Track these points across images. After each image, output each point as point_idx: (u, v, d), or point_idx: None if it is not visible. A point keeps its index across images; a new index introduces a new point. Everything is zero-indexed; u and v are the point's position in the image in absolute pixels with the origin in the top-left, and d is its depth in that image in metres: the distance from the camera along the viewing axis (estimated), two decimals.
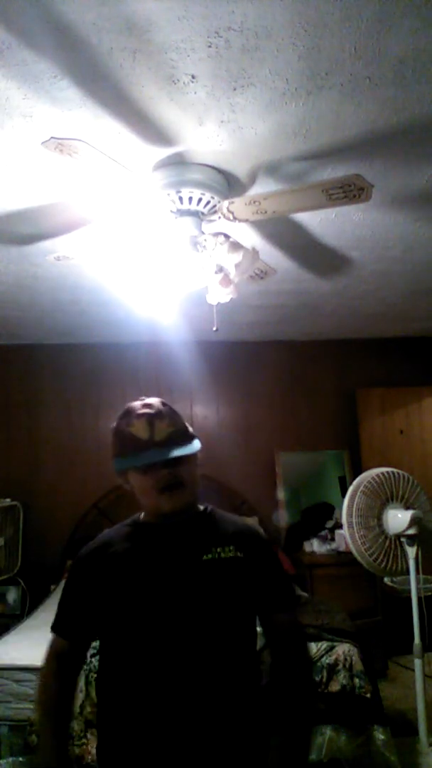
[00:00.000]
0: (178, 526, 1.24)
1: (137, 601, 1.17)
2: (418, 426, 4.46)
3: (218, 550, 1.21)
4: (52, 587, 3.81)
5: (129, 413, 1.26)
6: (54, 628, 1.29)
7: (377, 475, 2.60)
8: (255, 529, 1.38)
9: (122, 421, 1.27)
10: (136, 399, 1.31)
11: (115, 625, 1.20)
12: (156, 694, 1.13)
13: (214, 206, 1.96)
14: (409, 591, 2.53)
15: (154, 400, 1.28)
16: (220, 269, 2.10)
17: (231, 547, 1.22)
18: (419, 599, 2.51)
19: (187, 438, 1.25)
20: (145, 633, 1.16)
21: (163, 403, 1.28)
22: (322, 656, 2.42)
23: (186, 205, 1.95)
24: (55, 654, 1.27)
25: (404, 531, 2.45)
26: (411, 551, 2.47)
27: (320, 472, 4.66)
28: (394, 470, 2.63)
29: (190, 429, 1.29)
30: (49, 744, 1.21)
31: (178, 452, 1.20)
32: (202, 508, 1.32)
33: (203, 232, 2.02)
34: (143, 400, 1.29)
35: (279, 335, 4.51)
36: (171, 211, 1.98)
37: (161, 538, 1.24)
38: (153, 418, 1.23)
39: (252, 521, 4.16)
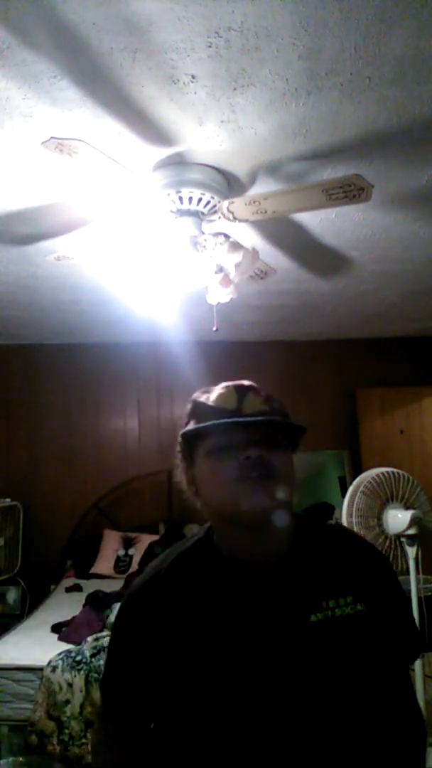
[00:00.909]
0: (275, 569, 0.89)
1: (222, 681, 0.84)
2: (418, 426, 4.46)
3: (331, 604, 0.86)
4: (52, 587, 3.81)
5: (211, 389, 0.97)
6: (106, 715, 0.98)
7: (377, 475, 2.60)
8: (377, 555, 0.98)
9: (201, 393, 0.97)
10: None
11: (183, 708, 0.86)
12: None
13: (214, 206, 1.96)
14: (409, 591, 2.53)
15: (247, 381, 0.99)
16: (220, 269, 2.10)
17: (349, 598, 0.87)
18: (419, 599, 2.51)
19: (285, 422, 0.94)
20: (234, 725, 0.82)
21: (262, 389, 0.98)
22: None
23: (186, 205, 1.95)
24: (113, 738, 0.96)
25: (404, 531, 2.45)
26: (411, 551, 2.47)
27: (320, 472, 4.66)
28: (394, 470, 2.62)
29: (290, 419, 0.98)
30: None
31: (269, 428, 0.90)
32: (296, 524, 0.96)
33: (203, 232, 2.02)
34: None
35: (279, 335, 4.51)
36: (171, 211, 1.98)
37: (250, 584, 0.88)
38: (244, 389, 0.94)
39: None
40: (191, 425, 0.93)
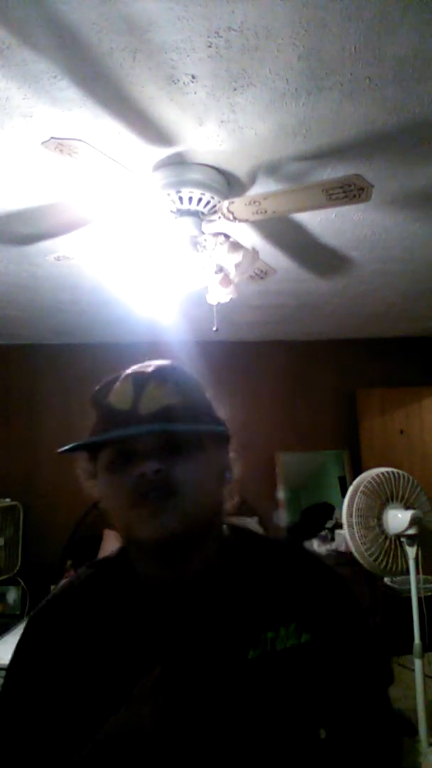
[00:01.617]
0: (200, 593, 0.73)
1: (133, 740, 0.65)
2: (418, 426, 4.46)
3: (271, 636, 0.70)
4: (52, 587, 3.80)
5: (111, 378, 0.81)
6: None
7: (377, 475, 2.60)
8: (327, 574, 0.80)
9: (104, 385, 0.80)
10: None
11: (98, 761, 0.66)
12: None
13: (214, 206, 1.96)
14: (409, 591, 2.53)
15: (161, 361, 0.81)
16: (220, 269, 2.10)
17: (292, 627, 0.71)
18: (419, 599, 2.51)
19: (201, 418, 0.77)
20: None
21: (174, 368, 0.80)
22: None
23: (186, 205, 1.95)
24: None
25: (404, 531, 2.45)
26: (411, 551, 2.47)
27: (320, 472, 4.66)
28: (394, 470, 2.63)
29: (213, 412, 0.81)
30: None
31: (167, 431, 0.71)
32: (227, 534, 0.82)
33: (203, 232, 2.02)
34: (144, 362, 0.83)
35: (279, 335, 4.51)
36: (171, 211, 1.98)
37: (172, 616, 0.72)
38: (145, 380, 0.75)
39: (252, 521, 4.16)
40: (91, 429, 0.78)
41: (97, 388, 0.81)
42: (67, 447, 0.75)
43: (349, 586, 0.79)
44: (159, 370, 0.77)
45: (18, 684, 0.74)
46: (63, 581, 0.84)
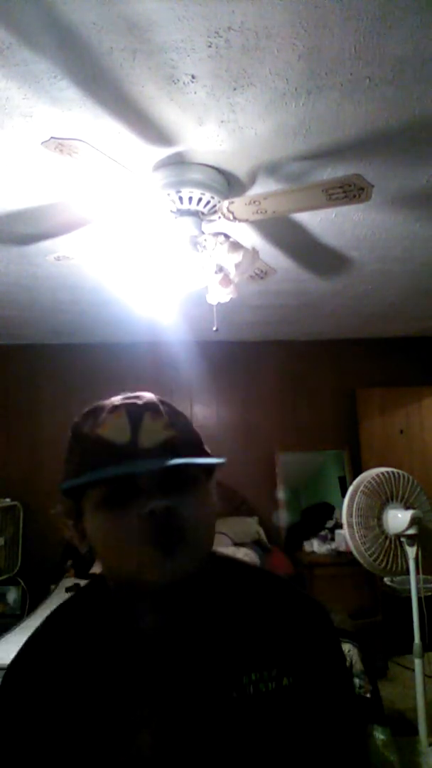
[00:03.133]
0: (183, 635, 0.71)
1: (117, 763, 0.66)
2: (418, 426, 4.46)
3: (254, 677, 0.69)
4: (52, 587, 3.81)
5: (95, 410, 0.75)
6: None
7: (377, 475, 2.60)
8: (309, 611, 0.77)
9: (84, 418, 0.75)
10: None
11: None
12: None
13: (214, 206, 1.96)
14: (409, 591, 2.53)
15: (146, 393, 0.77)
16: (220, 269, 2.10)
17: (274, 671, 0.69)
18: (419, 599, 2.51)
19: (197, 452, 0.74)
20: None
21: (161, 400, 0.76)
22: None
23: (186, 205, 1.95)
24: None
25: (404, 531, 2.45)
26: (411, 551, 2.47)
27: (320, 472, 4.66)
28: (394, 470, 2.63)
29: (203, 445, 0.77)
30: None
31: (176, 464, 0.67)
32: (210, 567, 0.77)
33: (203, 232, 2.02)
34: (126, 394, 0.77)
35: (279, 335, 4.51)
36: (171, 211, 1.98)
37: (153, 658, 0.70)
38: (139, 412, 0.71)
39: (252, 521, 4.16)
40: (72, 465, 0.73)
41: (77, 420, 0.76)
42: (74, 482, 0.71)
43: (330, 620, 0.77)
44: (150, 403, 0.73)
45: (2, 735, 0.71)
46: (39, 625, 0.78)
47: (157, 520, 0.65)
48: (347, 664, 2.39)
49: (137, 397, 0.74)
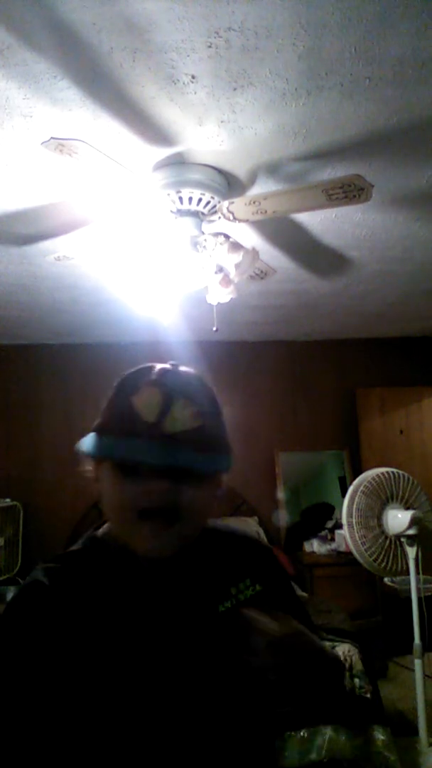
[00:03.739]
0: (173, 563, 0.78)
1: (123, 682, 0.72)
2: (418, 426, 4.46)
3: (234, 590, 0.82)
4: None
5: (140, 374, 0.80)
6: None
7: (377, 475, 2.60)
8: (259, 542, 0.97)
9: (126, 383, 0.80)
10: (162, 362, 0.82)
11: (83, 724, 0.71)
12: None
13: (214, 206, 1.96)
14: (409, 591, 2.53)
15: (188, 371, 0.81)
16: (220, 269, 2.10)
17: (247, 582, 0.83)
18: (419, 599, 2.51)
19: (216, 449, 0.78)
20: (144, 729, 0.72)
21: (200, 382, 0.81)
22: None
23: (186, 205, 1.95)
24: None
25: (404, 531, 2.45)
26: (411, 551, 2.47)
27: (320, 472, 4.66)
28: (394, 470, 2.63)
29: (226, 439, 0.82)
30: None
31: (189, 460, 0.72)
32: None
33: (203, 232, 2.02)
34: (171, 363, 0.82)
35: (279, 335, 4.51)
36: (171, 211, 1.98)
37: (152, 582, 0.78)
38: (173, 395, 0.74)
39: (252, 522, 4.16)
40: (102, 420, 0.78)
41: (120, 380, 0.81)
42: (93, 450, 0.77)
43: (274, 554, 0.96)
44: (187, 387, 0.77)
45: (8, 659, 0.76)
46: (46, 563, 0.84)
47: (154, 499, 0.71)
48: (347, 664, 2.40)
49: (176, 374, 0.78)
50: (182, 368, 0.81)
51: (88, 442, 0.79)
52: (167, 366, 0.80)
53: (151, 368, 0.79)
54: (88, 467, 0.81)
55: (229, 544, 0.90)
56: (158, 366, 0.80)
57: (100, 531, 0.87)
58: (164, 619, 0.77)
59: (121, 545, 0.77)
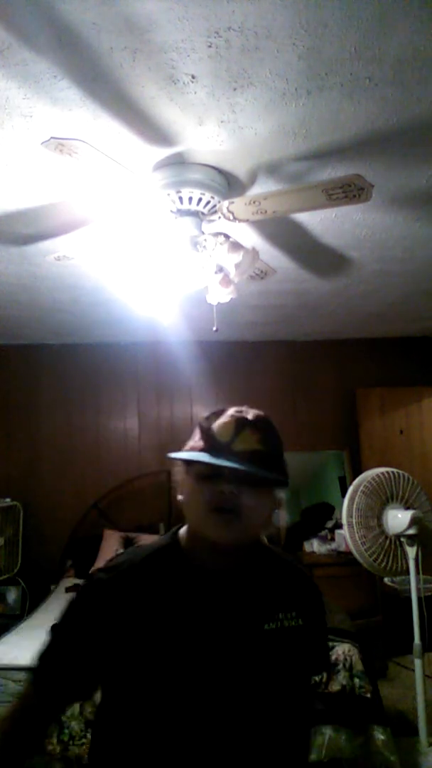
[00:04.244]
0: (234, 579, 0.99)
1: (183, 676, 0.91)
2: (418, 426, 4.46)
3: (281, 616, 0.99)
4: (52, 587, 3.81)
5: (222, 411, 1.04)
6: (36, 682, 1.00)
7: (377, 475, 2.60)
8: (313, 584, 1.13)
9: (211, 415, 1.04)
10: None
11: (149, 699, 0.92)
12: None
13: (214, 206, 1.96)
14: (409, 591, 2.53)
15: (258, 412, 1.04)
16: (220, 269, 2.10)
17: (293, 613, 1.01)
18: (419, 599, 2.51)
19: (271, 467, 0.98)
20: (190, 716, 0.91)
21: (267, 421, 1.03)
22: None
23: (186, 205, 1.95)
24: (24, 708, 1.02)
25: (404, 531, 2.45)
26: (411, 551, 2.47)
27: (320, 472, 4.66)
28: (394, 470, 2.63)
29: (282, 465, 1.03)
30: None
31: (251, 469, 0.93)
32: (259, 552, 1.08)
33: (203, 232, 2.02)
34: (244, 407, 1.06)
35: (279, 335, 4.51)
36: (171, 211, 1.98)
37: (214, 589, 0.97)
38: (244, 425, 0.98)
39: None
40: (191, 443, 1.02)
41: (206, 415, 1.05)
42: (176, 455, 1.00)
43: (321, 598, 1.12)
44: (256, 421, 1.00)
45: (77, 617, 1.00)
46: (128, 551, 1.07)
47: (224, 497, 0.93)
48: (347, 664, 2.40)
49: (248, 412, 1.02)
50: (253, 410, 1.04)
51: (179, 455, 1.00)
52: (242, 408, 1.04)
53: (226, 410, 1.04)
54: (178, 484, 1.03)
55: (286, 574, 1.08)
56: (234, 408, 1.04)
57: (180, 532, 1.05)
58: (216, 621, 0.95)
59: (191, 550, 1.00)
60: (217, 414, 1.03)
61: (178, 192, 1.91)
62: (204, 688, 0.91)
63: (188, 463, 1.00)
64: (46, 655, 1.00)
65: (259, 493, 0.96)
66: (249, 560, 1.02)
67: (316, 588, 1.12)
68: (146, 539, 3.99)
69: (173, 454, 1.00)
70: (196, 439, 1.01)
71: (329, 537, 4.10)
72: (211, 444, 0.97)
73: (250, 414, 1.02)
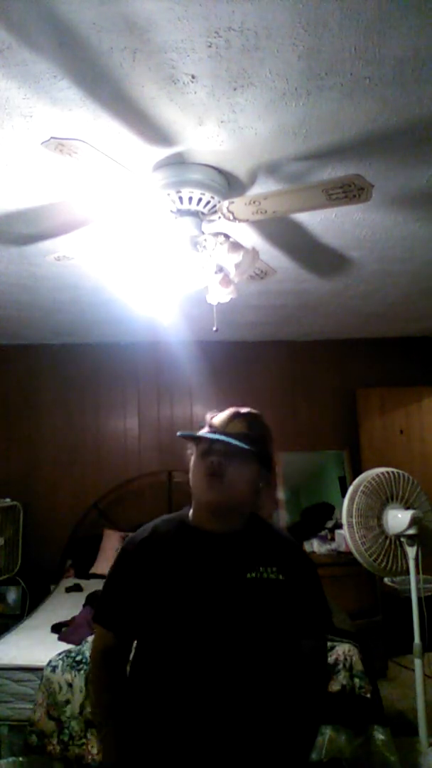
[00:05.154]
0: (225, 538, 1.23)
1: (177, 609, 1.17)
2: (418, 426, 4.46)
3: (261, 569, 1.20)
4: (52, 587, 3.81)
5: (223, 411, 1.32)
6: (98, 619, 1.30)
7: (377, 475, 2.60)
8: (299, 547, 1.34)
9: (216, 411, 1.33)
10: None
11: (153, 628, 1.20)
12: (190, 704, 1.13)
13: (214, 206, 1.96)
14: (409, 591, 2.53)
15: (251, 409, 1.32)
16: (220, 269, 2.10)
17: (274, 569, 1.21)
18: (419, 599, 2.51)
19: (252, 444, 1.21)
20: (182, 643, 1.16)
21: (256, 415, 1.31)
22: None
23: (186, 205, 1.95)
24: (102, 649, 1.28)
25: (404, 531, 2.45)
26: (411, 551, 2.47)
27: (320, 472, 4.66)
28: (394, 470, 2.62)
29: (267, 449, 1.28)
30: (112, 743, 1.21)
31: (225, 438, 1.20)
32: (248, 517, 1.30)
33: (203, 232, 2.02)
34: (245, 408, 1.33)
35: (279, 335, 4.51)
36: (171, 211, 1.98)
37: (208, 547, 1.23)
38: (235, 414, 1.28)
39: None
40: (199, 431, 1.29)
41: (211, 412, 1.33)
42: (184, 433, 1.28)
43: (305, 552, 1.27)
44: (247, 413, 1.30)
45: (119, 568, 1.30)
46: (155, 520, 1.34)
47: (213, 465, 1.20)
48: (347, 664, 2.40)
49: (243, 409, 1.31)
50: (248, 408, 1.32)
51: (185, 432, 1.28)
52: (241, 407, 1.31)
53: (228, 408, 1.32)
54: (189, 450, 1.29)
55: (273, 538, 1.30)
56: (235, 407, 1.32)
57: (186, 510, 1.32)
58: (209, 570, 1.20)
59: (197, 520, 1.27)
60: (221, 411, 1.32)
61: (178, 192, 1.91)
62: (201, 626, 1.15)
63: (195, 443, 1.27)
64: (105, 597, 1.30)
65: (240, 463, 1.21)
66: (243, 525, 1.27)
67: (304, 555, 1.35)
68: None
69: (181, 432, 1.29)
70: (203, 423, 1.31)
71: (329, 537, 4.10)
72: (210, 428, 1.27)
73: (244, 409, 1.31)
